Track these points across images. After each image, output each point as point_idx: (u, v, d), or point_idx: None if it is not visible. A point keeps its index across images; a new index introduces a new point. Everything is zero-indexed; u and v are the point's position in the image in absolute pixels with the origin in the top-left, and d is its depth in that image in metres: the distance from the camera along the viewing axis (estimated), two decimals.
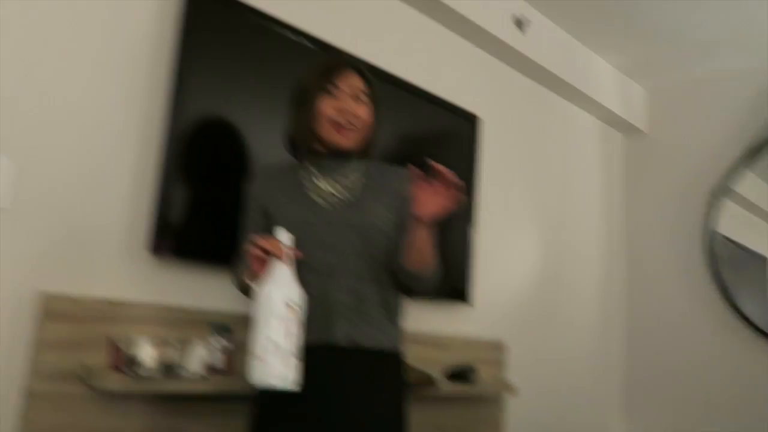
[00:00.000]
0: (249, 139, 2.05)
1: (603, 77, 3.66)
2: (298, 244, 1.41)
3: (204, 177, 1.95)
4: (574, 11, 3.17)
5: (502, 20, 2.99)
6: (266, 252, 1.34)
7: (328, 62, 1.62)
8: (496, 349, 2.90)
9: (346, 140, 1.56)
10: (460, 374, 2.48)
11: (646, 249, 3.80)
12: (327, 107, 1.54)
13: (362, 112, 1.57)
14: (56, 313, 1.63)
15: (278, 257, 1.33)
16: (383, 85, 1.74)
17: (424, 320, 2.56)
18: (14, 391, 1.59)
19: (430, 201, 1.43)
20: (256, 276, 1.37)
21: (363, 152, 1.64)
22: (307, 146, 1.59)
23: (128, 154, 1.86)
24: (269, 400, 1.47)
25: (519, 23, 3.03)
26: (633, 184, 3.95)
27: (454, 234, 2.71)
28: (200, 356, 1.69)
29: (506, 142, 3.19)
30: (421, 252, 1.52)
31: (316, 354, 1.43)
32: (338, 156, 1.59)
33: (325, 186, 1.58)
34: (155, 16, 1.95)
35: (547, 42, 3.25)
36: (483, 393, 2.72)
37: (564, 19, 3.26)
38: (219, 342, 1.82)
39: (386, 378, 1.56)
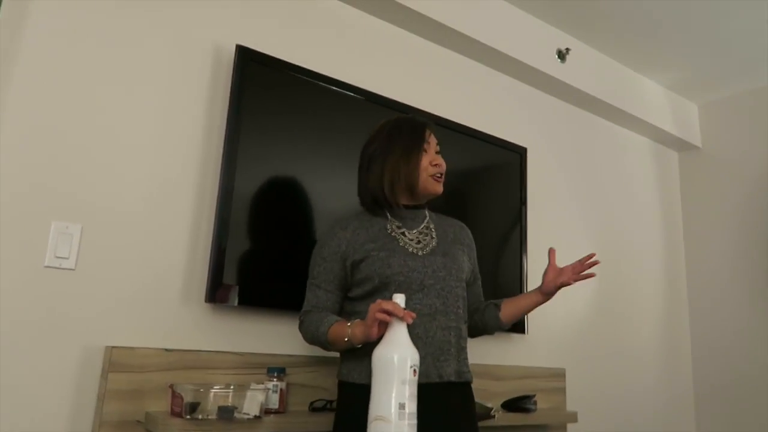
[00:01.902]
0: (300, 190, 2.14)
1: (651, 97, 3.62)
2: (403, 287, 1.55)
3: (257, 231, 2.04)
4: (615, 37, 3.16)
5: (544, 54, 3.03)
6: (390, 314, 1.38)
7: (415, 121, 1.74)
8: (556, 378, 2.86)
9: (440, 187, 1.71)
10: (519, 404, 2.46)
11: (708, 265, 3.70)
12: (425, 162, 1.67)
13: (444, 163, 1.71)
14: (120, 364, 1.73)
15: (403, 320, 1.38)
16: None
17: (481, 353, 2.55)
18: None
19: (560, 278, 1.72)
20: (370, 338, 1.43)
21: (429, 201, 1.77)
22: (396, 200, 1.67)
23: (186, 214, 1.97)
24: None
25: (560, 54, 3.06)
26: (690, 201, 3.86)
27: (508, 264, 2.72)
28: (257, 398, 1.74)
29: (557, 171, 3.19)
30: (523, 314, 1.83)
31: (431, 391, 1.49)
32: (412, 208, 1.72)
33: (411, 235, 1.68)
34: (209, 82, 2.09)
35: (590, 69, 3.26)
36: (543, 422, 2.68)
37: (606, 46, 3.26)
38: (275, 384, 1.89)
39: (473, 405, 1.71)
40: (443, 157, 1.72)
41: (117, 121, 1.88)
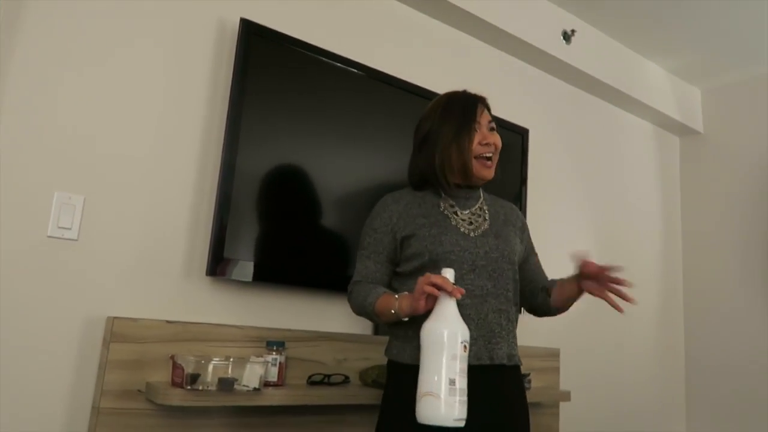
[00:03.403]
0: (302, 167, 2.14)
1: (655, 81, 3.61)
2: (454, 266, 1.48)
3: (258, 206, 2.04)
4: (621, 19, 3.15)
5: (550, 35, 3.02)
6: (438, 288, 1.36)
7: (466, 100, 1.66)
8: (550, 357, 2.90)
9: (490, 172, 1.65)
10: None
11: (704, 249, 3.73)
12: (475, 143, 1.61)
13: (497, 140, 1.65)
14: (121, 334, 1.75)
15: (452, 295, 1.35)
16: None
17: None
18: (84, 409, 1.71)
19: (596, 283, 1.68)
20: (417, 311, 1.40)
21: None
22: (448, 183, 1.62)
23: (188, 188, 1.98)
24: None
25: (566, 35, 3.05)
26: (690, 185, 3.88)
27: None
28: (256, 371, 1.77)
29: (558, 153, 3.20)
30: (571, 302, 1.74)
31: (484, 373, 1.49)
32: (465, 188, 1.68)
33: (464, 215, 1.65)
34: (212, 57, 2.08)
35: (595, 51, 3.24)
36: (537, 400, 2.71)
37: (612, 28, 3.25)
38: (274, 357, 1.91)
39: (524, 390, 1.70)
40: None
41: (119, 93, 1.88)
